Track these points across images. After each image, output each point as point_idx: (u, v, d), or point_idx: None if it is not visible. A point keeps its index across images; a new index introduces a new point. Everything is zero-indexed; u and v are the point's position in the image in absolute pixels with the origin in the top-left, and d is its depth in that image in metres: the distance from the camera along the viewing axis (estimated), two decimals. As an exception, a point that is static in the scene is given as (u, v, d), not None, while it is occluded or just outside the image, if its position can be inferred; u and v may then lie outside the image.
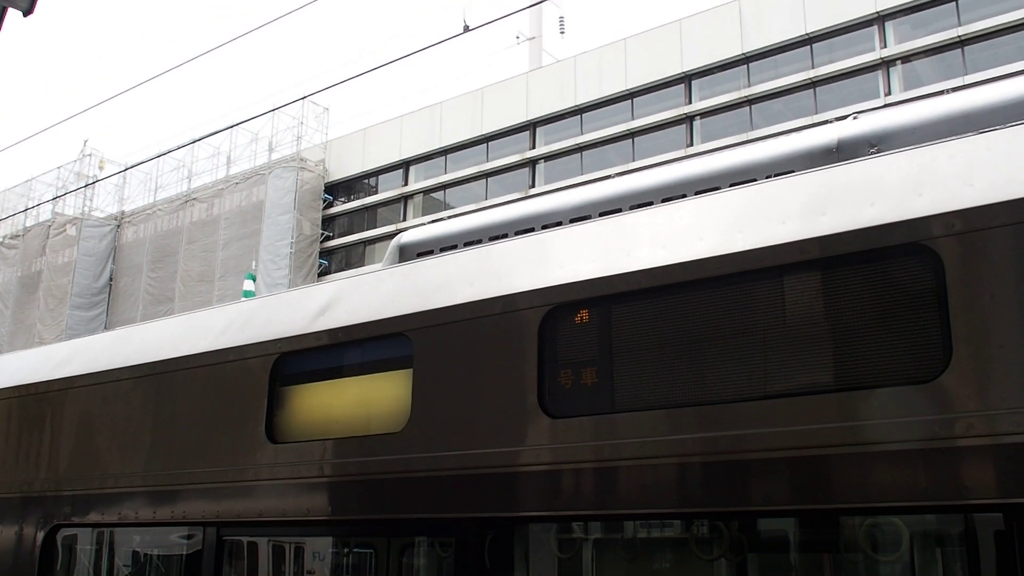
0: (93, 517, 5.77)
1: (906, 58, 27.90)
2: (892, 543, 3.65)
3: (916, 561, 3.64)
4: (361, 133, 39.83)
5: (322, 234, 38.97)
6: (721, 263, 3.64)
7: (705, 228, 3.81)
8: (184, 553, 5.60)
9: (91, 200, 44.68)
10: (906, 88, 27.15)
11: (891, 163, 3.52)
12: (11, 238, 45.97)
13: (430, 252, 5.88)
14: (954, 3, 27.05)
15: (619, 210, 4.97)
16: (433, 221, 6.52)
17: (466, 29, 11.10)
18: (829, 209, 3.49)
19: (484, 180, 36.28)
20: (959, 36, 26.65)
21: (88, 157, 44.65)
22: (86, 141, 45.12)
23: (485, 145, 36.38)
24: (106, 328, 37.23)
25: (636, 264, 3.87)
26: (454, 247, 5.71)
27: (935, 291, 3.18)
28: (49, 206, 43.49)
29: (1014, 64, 23.18)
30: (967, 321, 3.08)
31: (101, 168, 44.00)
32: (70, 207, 44.71)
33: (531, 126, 35.22)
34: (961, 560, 3.54)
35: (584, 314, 4.00)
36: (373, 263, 35.07)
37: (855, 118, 4.86)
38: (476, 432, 4.13)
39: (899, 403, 3.16)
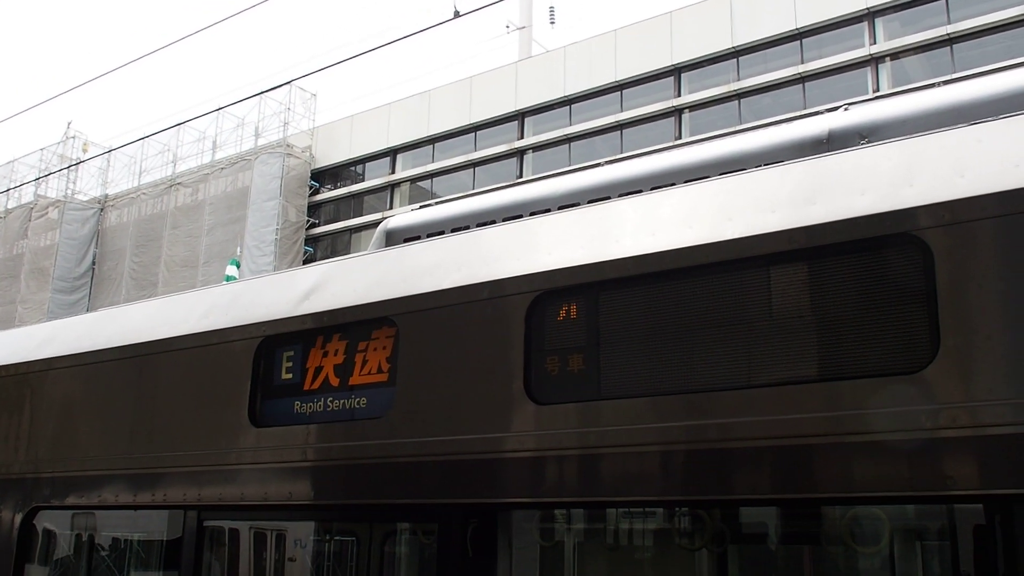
0: (73, 500, 5.71)
1: (895, 55, 28.00)
2: (874, 534, 3.65)
3: (898, 551, 3.64)
4: (349, 120, 39.62)
5: (308, 221, 38.78)
6: (710, 251, 3.62)
7: (694, 216, 3.79)
8: (165, 537, 5.55)
9: (74, 183, 44.28)
10: (895, 85, 27.24)
11: (882, 153, 3.51)
12: (-8, 220, 45.57)
13: (417, 237, 5.84)
14: (944, 1, 27.16)
15: (608, 197, 4.94)
16: (421, 207, 6.48)
17: (456, 15, 11.04)
18: (819, 198, 3.47)
19: (472, 169, 36.19)
20: (948, 34, 26.78)
21: (72, 139, 44.23)
22: (70, 123, 44.79)
23: (473, 134, 36.27)
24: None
25: (624, 251, 3.85)
26: (441, 232, 5.67)
27: (924, 281, 3.18)
28: (31, 188, 43.08)
29: (1002, 63, 23.26)
30: (955, 312, 3.08)
31: (85, 150, 43.57)
32: (53, 190, 44.31)
33: (520, 116, 35.13)
34: (942, 551, 3.55)
35: (571, 301, 3.98)
36: (359, 251, 34.90)
37: (846, 109, 4.86)
38: (461, 418, 4.10)
39: (885, 393, 3.16)
